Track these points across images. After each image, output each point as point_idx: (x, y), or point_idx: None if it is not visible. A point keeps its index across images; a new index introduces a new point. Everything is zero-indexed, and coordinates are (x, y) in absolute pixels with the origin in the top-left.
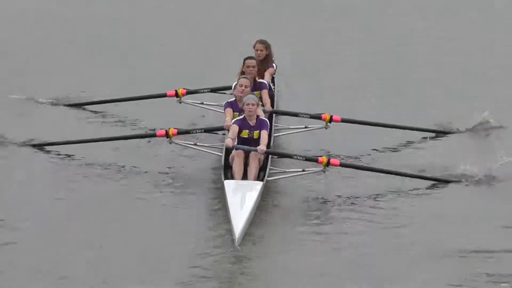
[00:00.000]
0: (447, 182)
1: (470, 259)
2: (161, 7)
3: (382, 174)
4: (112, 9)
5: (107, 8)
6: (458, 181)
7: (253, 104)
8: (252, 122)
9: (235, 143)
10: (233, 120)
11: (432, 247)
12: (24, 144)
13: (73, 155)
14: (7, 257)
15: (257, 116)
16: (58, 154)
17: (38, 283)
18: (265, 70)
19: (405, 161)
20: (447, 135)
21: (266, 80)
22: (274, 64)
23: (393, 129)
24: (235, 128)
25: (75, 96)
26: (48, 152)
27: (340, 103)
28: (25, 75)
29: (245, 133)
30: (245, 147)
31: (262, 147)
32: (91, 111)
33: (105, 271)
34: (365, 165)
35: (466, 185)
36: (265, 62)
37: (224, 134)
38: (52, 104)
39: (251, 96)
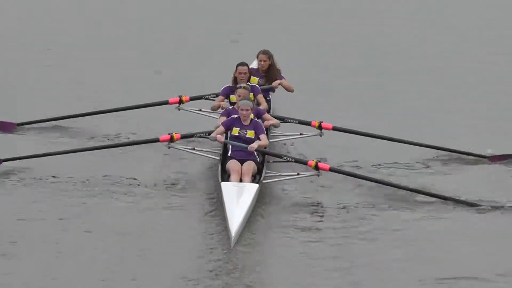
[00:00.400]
0: (434, 196)
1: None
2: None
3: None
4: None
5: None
6: (446, 199)
7: (247, 110)
8: (246, 123)
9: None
10: (225, 120)
11: (417, 256)
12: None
13: (64, 168)
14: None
15: (252, 119)
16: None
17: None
18: (272, 79)
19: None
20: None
21: (276, 85)
22: (280, 73)
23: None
24: (221, 129)
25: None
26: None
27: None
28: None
29: (235, 131)
30: (236, 143)
31: (253, 144)
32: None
33: (104, 270)
34: (355, 172)
35: (454, 207)
36: (270, 71)
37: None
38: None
39: (246, 102)
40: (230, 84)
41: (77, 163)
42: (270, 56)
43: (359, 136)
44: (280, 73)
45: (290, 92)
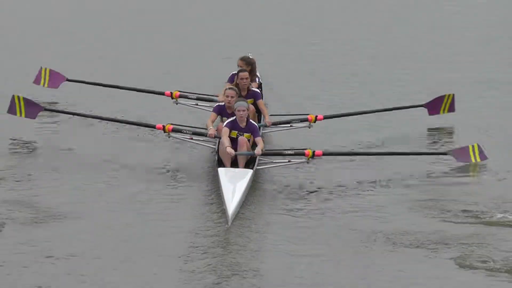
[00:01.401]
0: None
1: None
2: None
3: (362, 162)
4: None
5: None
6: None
7: (243, 110)
8: (243, 125)
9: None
10: (225, 123)
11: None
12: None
13: (73, 148)
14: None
15: (247, 120)
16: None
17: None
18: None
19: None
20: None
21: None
22: (257, 78)
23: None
24: (226, 131)
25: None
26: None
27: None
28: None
29: (234, 134)
30: (244, 152)
31: (259, 150)
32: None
33: (107, 250)
34: (345, 150)
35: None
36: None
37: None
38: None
39: (242, 102)
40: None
41: (82, 148)
42: (247, 63)
43: (346, 118)
44: (258, 78)
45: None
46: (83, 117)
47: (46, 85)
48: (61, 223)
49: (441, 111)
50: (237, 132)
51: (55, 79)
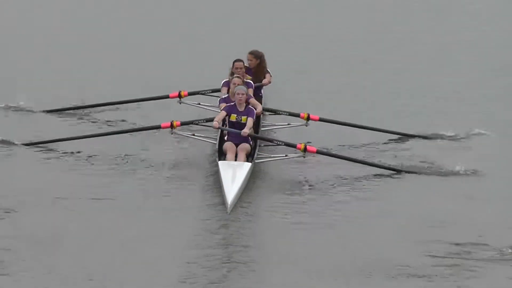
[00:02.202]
0: (409, 172)
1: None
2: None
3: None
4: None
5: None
6: (416, 172)
7: (242, 94)
8: (241, 109)
9: (223, 125)
10: (223, 107)
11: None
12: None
13: (81, 151)
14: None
15: (247, 104)
16: (64, 151)
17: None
18: (261, 77)
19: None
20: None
21: (266, 82)
22: (268, 72)
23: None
24: (223, 113)
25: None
26: (51, 149)
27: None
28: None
29: (233, 117)
30: (230, 129)
31: (246, 130)
32: (89, 114)
33: (116, 238)
34: (340, 154)
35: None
36: (258, 70)
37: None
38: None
39: (241, 87)
40: (227, 78)
41: (91, 148)
42: (256, 56)
43: (343, 126)
44: (267, 70)
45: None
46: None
47: None
48: (76, 211)
49: None
50: (236, 115)
51: None
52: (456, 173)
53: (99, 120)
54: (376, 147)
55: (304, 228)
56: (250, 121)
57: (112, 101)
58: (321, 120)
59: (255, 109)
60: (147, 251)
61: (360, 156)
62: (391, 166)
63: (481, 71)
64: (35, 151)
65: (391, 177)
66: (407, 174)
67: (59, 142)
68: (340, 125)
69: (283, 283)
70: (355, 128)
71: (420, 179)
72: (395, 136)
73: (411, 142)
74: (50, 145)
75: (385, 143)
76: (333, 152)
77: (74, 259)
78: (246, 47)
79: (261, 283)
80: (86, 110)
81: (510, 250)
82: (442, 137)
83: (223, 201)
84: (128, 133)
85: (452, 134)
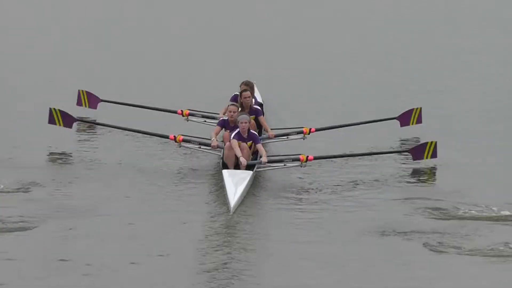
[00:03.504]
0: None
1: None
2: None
3: (348, 165)
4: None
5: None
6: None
7: (245, 123)
8: (245, 135)
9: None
10: (232, 135)
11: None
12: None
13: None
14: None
15: (248, 129)
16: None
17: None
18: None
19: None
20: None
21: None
22: (255, 98)
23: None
24: (236, 143)
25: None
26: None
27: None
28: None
29: (238, 144)
30: (254, 161)
31: (264, 159)
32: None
33: (126, 239)
34: (335, 154)
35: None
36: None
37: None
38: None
39: (245, 116)
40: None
41: (106, 155)
42: (251, 87)
43: (336, 130)
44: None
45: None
46: (108, 128)
47: (87, 106)
48: (89, 218)
49: (411, 123)
50: (240, 142)
51: (93, 100)
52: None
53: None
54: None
55: (301, 228)
56: (261, 148)
57: (130, 102)
58: (317, 130)
59: (267, 132)
60: (154, 248)
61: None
62: (384, 150)
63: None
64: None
65: (383, 182)
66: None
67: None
68: (335, 129)
69: (280, 276)
70: (350, 126)
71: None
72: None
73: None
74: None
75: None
76: (329, 154)
77: (84, 254)
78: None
79: (258, 277)
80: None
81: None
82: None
83: (226, 206)
84: (144, 137)
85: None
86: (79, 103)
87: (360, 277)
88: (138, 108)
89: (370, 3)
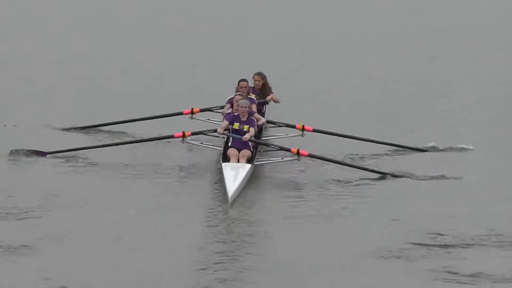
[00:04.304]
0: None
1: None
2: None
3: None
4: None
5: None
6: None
7: (245, 107)
8: (244, 119)
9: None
10: (228, 116)
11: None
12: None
13: (103, 160)
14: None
15: (248, 115)
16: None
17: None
18: (265, 95)
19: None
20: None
21: (269, 99)
22: (272, 91)
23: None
24: (225, 123)
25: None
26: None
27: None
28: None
29: (236, 125)
30: (233, 134)
31: (246, 136)
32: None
33: (128, 228)
34: (330, 157)
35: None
36: (263, 89)
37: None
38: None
39: (245, 101)
40: (232, 95)
41: (111, 156)
42: (263, 77)
43: (335, 136)
44: (271, 90)
45: (277, 103)
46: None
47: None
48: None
49: None
50: (238, 124)
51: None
52: (439, 178)
53: (119, 132)
54: (364, 154)
55: (297, 221)
56: (252, 130)
57: (131, 118)
58: (314, 131)
59: (258, 121)
60: (156, 234)
61: (348, 161)
62: (376, 170)
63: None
64: (60, 160)
65: (375, 179)
66: (392, 178)
67: (81, 151)
68: (332, 136)
69: (276, 264)
70: (347, 138)
71: (406, 182)
72: (385, 147)
73: (398, 152)
74: (73, 153)
75: (374, 154)
76: (324, 156)
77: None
78: (250, 65)
79: (255, 262)
80: (106, 127)
81: (491, 238)
82: (433, 149)
83: (225, 198)
84: (147, 143)
85: (445, 146)
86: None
87: (359, 270)
88: (142, 121)
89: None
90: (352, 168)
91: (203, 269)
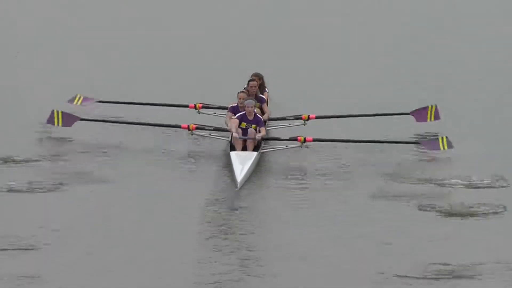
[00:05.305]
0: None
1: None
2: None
3: (345, 149)
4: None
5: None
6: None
7: (251, 106)
8: (250, 118)
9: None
10: (236, 115)
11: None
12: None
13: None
14: None
15: (255, 114)
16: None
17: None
18: (261, 92)
19: None
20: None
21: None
22: (266, 90)
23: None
24: (236, 122)
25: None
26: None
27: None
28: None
29: (243, 125)
30: (246, 137)
31: (259, 135)
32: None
33: (141, 212)
34: (333, 138)
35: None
36: (259, 89)
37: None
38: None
39: (251, 101)
40: (234, 103)
41: (129, 140)
42: (260, 77)
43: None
44: (265, 89)
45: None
46: (117, 124)
47: (60, 125)
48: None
49: (428, 119)
50: (246, 123)
51: (68, 119)
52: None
53: (133, 115)
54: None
55: (299, 202)
56: (263, 130)
57: (144, 102)
58: (317, 118)
59: (263, 115)
60: (172, 214)
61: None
62: (380, 140)
63: None
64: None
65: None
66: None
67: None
68: (335, 118)
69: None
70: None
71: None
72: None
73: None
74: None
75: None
76: (326, 137)
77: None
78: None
79: (258, 240)
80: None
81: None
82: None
83: (233, 181)
84: (158, 129)
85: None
86: (50, 121)
87: (359, 259)
88: (147, 105)
89: None
90: (356, 145)
91: (216, 249)
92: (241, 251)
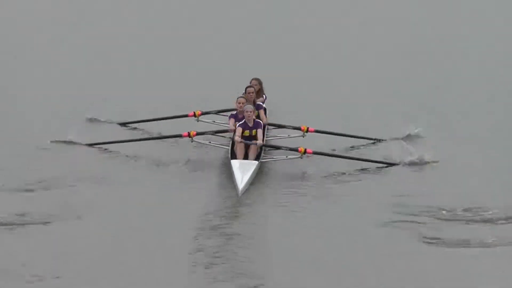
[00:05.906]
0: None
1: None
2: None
3: (344, 160)
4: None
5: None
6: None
7: (250, 111)
8: (250, 124)
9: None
10: (238, 124)
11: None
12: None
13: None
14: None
15: (254, 119)
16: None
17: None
18: (259, 97)
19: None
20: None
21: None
22: (264, 95)
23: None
24: (240, 129)
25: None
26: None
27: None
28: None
29: (246, 133)
30: (247, 141)
31: (260, 142)
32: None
33: (144, 211)
34: (332, 153)
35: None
36: (258, 93)
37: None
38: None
39: (249, 106)
40: (234, 112)
41: (125, 151)
42: (260, 82)
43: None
44: (263, 94)
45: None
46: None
47: None
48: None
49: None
50: (248, 131)
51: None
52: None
53: (134, 131)
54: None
55: (299, 210)
56: (260, 133)
57: (144, 119)
58: (316, 131)
59: (262, 121)
60: (169, 222)
61: (348, 155)
62: (377, 160)
63: None
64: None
65: (373, 172)
66: (391, 167)
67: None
68: (332, 135)
69: (278, 245)
70: (346, 137)
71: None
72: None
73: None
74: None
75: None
76: (327, 152)
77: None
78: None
79: (260, 247)
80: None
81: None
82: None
83: (235, 189)
84: (159, 141)
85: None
86: None
87: (360, 263)
88: (150, 122)
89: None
90: (354, 161)
91: (216, 255)
92: (241, 258)
